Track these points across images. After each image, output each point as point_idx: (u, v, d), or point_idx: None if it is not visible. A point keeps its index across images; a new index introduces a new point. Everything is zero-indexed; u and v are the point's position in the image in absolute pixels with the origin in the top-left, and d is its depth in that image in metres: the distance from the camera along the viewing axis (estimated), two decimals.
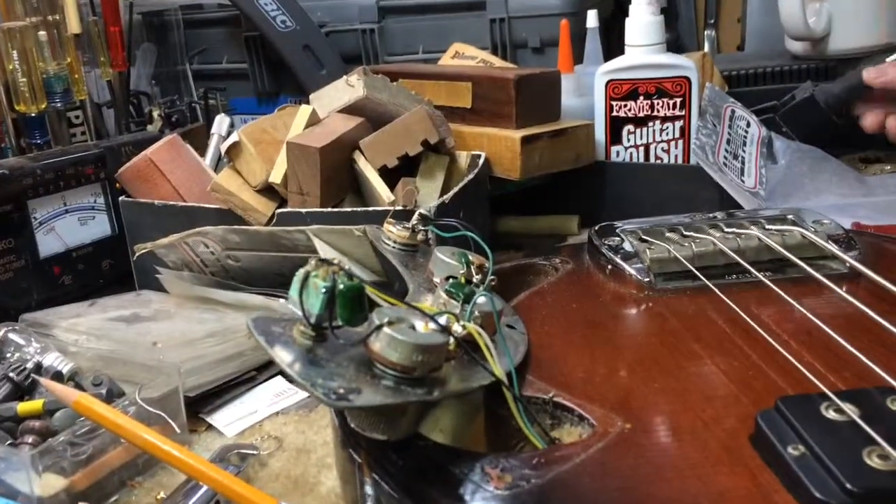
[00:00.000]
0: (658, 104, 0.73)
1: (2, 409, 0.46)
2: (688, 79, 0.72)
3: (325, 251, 0.52)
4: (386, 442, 0.34)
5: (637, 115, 0.74)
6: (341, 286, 0.33)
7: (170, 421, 0.44)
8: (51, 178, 0.59)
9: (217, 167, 0.71)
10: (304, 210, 0.57)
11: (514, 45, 0.89)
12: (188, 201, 0.61)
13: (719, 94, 0.79)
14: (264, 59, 0.95)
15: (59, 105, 0.67)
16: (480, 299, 0.39)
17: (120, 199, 0.62)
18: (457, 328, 0.36)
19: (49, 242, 0.60)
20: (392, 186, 0.58)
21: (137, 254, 0.58)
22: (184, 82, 0.96)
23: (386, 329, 0.33)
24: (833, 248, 0.48)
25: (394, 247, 0.49)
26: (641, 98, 0.73)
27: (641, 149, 0.74)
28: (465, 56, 0.88)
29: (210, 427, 0.49)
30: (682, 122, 0.73)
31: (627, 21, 0.72)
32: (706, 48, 1.18)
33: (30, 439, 0.44)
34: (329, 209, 0.57)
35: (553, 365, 0.41)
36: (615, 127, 0.74)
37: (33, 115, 0.65)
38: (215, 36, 0.98)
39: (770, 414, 0.33)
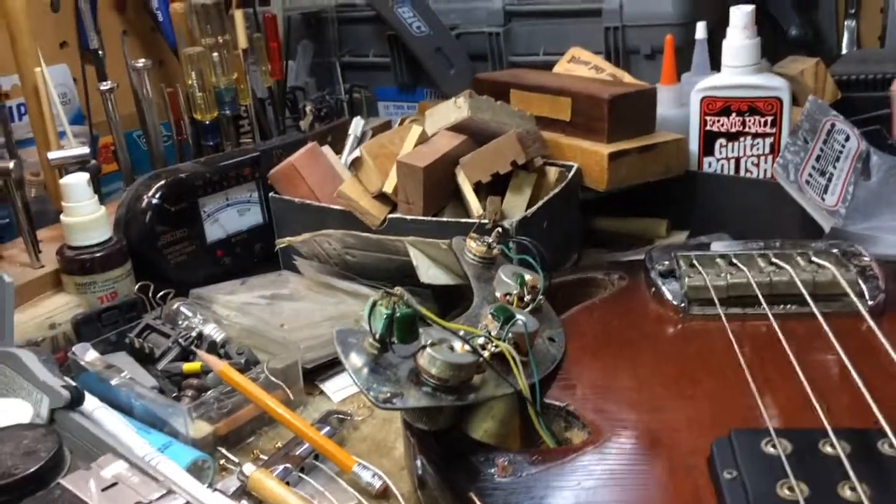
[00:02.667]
0: (750, 121, 0.78)
1: (171, 367, 0.62)
2: (780, 99, 0.76)
3: (417, 258, 0.64)
4: (428, 431, 0.46)
5: (729, 130, 0.79)
6: (398, 314, 0.44)
7: (286, 389, 0.58)
8: (217, 180, 0.74)
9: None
10: (408, 217, 0.68)
11: (627, 52, 0.94)
12: (321, 201, 0.75)
13: (821, 108, 0.81)
14: (404, 55, 1.06)
15: (227, 112, 0.82)
16: (518, 323, 0.49)
17: (270, 195, 0.77)
18: (492, 347, 0.47)
19: (214, 230, 0.75)
20: (487, 198, 0.69)
21: (278, 247, 0.72)
22: (335, 73, 1.09)
23: (428, 349, 0.44)
24: (848, 288, 0.53)
25: (472, 259, 0.60)
26: (734, 115, 0.78)
27: (732, 161, 0.80)
28: (580, 61, 0.95)
29: (322, 392, 0.63)
30: (772, 138, 0.78)
31: (724, 43, 0.77)
32: (845, 40, 1.16)
33: (189, 393, 0.59)
34: (429, 218, 0.68)
35: (579, 376, 0.50)
36: (708, 140, 0.80)
37: (207, 122, 0.81)
38: (364, 32, 1.10)
39: (722, 442, 0.41)
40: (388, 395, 0.43)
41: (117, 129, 0.77)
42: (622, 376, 0.50)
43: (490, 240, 0.60)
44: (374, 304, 0.45)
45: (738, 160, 0.79)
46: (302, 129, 0.93)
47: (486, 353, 0.46)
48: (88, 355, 0.61)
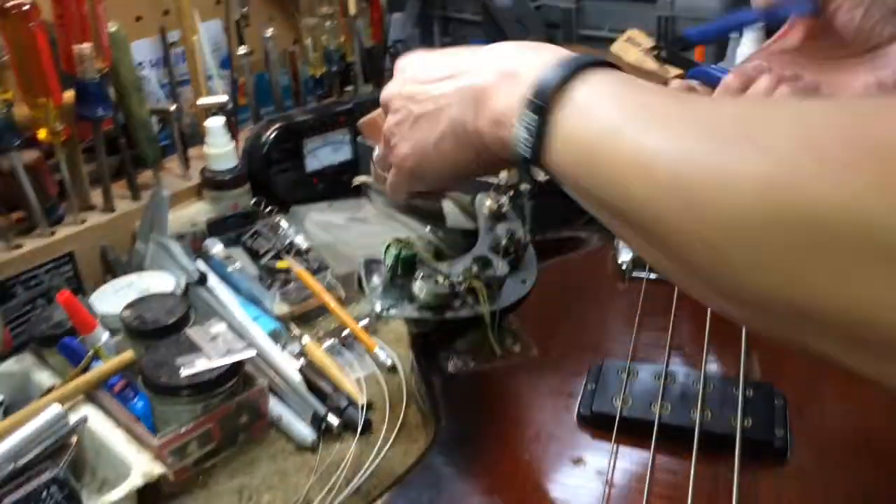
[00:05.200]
0: None
1: (269, 263, 0.87)
2: None
3: (447, 206, 0.85)
4: (416, 333, 0.69)
5: None
6: (403, 254, 0.67)
7: (342, 291, 0.83)
8: (318, 125, 0.98)
9: None
10: None
11: (677, 39, 1.09)
12: None
13: None
14: (492, 17, 1.24)
15: (333, 69, 1.05)
16: (491, 269, 0.70)
17: (357, 139, 1.00)
18: (466, 284, 0.68)
19: (312, 163, 0.99)
20: None
21: (356, 182, 0.95)
22: (435, 28, 1.29)
23: (419, 280, 0.66)
24: None
25: (485, 213, 0.81)
26: None
27: None
28: (635, 42, 1.10)
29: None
30: None
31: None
32: None
33: (278, 283, 0.85)
34: None
35: (532, 310, 0.71)
36: None
37: (317, 76, 1.04)
38: None
39: (595, 365, 0.62)
40: (389, 307, 0.66)
41: (250, 77, 1.01)
42: (561, 314, 0.71)
43: (502, 200, 0.81)
44: (388, 246, 0.67)
45: None
46: None
47: (462, 288, 0.68)
48: (216, 248, 0.87)
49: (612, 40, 1.12)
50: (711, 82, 0.67)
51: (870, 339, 0.30)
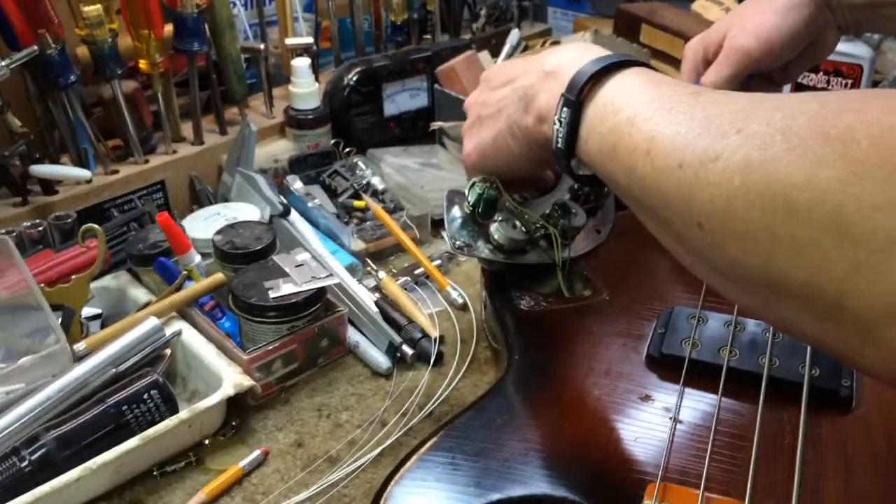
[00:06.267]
0: (834, 81, 0.92)
1: (346, 202, 0.90)
2: (861, 66, 0.90)
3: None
4: (489, 271, 0.71)
5: (816, 86, 0.94)
6: (485, 194, 0.69)
7: (416, 231, 0.86)
8: (397, 71, 1.00)
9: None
10: None
11: None
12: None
13: None
14: None
15: (415, 16, 1.07)
16: (570, 216, 0.71)
17: (434, 86, 1.02)
18: (542, 230, 0.70)
19: (390, 108, 1.02)
20: None
21: (432, 127, 0.98)
22: None
23: (496, 223, 0.68)
24: None
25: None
26: (822, 73, 0.93)
27: None
28: (716, 0, 1.10)
29: (440, 236, 0.90)
30: None
31: None
32: None
33: (355, 221, 0.88)
34: None
35: (606, 257, 0.73)
36: (798, 90, 0.95)
37: (398, 22, 1.06)
38: None
39: (665, 311, 0.64)
40: (463, 244, 0.69)
41: (334, 21, 1.04)
42: (633, 262, 0.73)
43: None
44: (473, 183, 0.69)
45: None
46: (473, 30, 1.16)
47: (537, 235, 0.70)
48: (296, 184, 0.91)
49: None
50: None
51: (841, 317, 0.32)
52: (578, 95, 0.50)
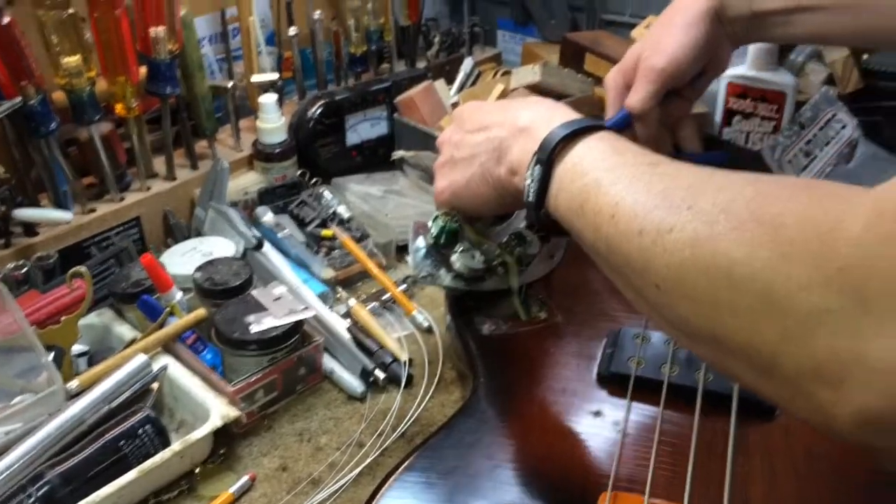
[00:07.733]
0: (760, 106, 1.00)
1: (315, 231, 0.96)
2: (784, 93, 0.98)
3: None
4: (452, 296, 0.77)
5: (744, 110, 1.02)
6: (448, 226, 0.75)
7: (382, 257, 0.91)
8: (359, 102, 1.05)
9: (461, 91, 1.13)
10: None
11: None
12: (429, 126, 1.05)
13: (828, 99, 1.02)
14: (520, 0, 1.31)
15: (373, 48, 1.12)
16: (524, 244, 0.78)
17: (394, 115, 1.07)
18: (499, 259, 0.76)
19: (352, 137, 1.07)
20: None
21: (393, 157, 1.03)
22: (464, 6, 1.35)
23: (458, 253, 0.74)
24: None
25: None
26: (749, 99, 1.01)
27: (744, 134, 1.03)
28: None
29: (405, 262, 0.95)
30: (775, 122, 1.00)
31: (750, 46, 0.98)
32: None
33: (324, 249, 0.93)
34: None
35: (559, 282, 0.80)
36: (729, 114, 1.03)
37: (358, 54, 1.11)
38: None
39: (613, 331, 0.70)
40: (427, 274, 0.75)
41: (296, 52, 1.09)
42: (584, 284, 0.80)
43: None
44: (437, 216, 0.75)
45: (748, 133, 1.03)
46: (428, 58, 1.22)
47: (495, 263, 0.76)
48: (266, 216, 0.96)
49: (632, 25, 1.19)
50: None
51: (774, 374, 0.38)
52: (549, 156, 0.55)
